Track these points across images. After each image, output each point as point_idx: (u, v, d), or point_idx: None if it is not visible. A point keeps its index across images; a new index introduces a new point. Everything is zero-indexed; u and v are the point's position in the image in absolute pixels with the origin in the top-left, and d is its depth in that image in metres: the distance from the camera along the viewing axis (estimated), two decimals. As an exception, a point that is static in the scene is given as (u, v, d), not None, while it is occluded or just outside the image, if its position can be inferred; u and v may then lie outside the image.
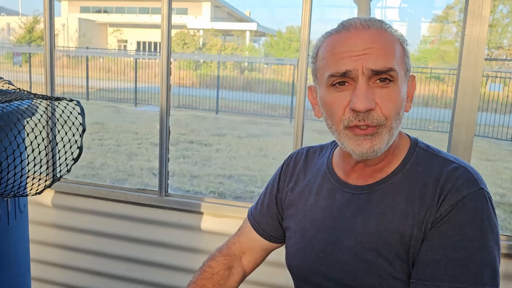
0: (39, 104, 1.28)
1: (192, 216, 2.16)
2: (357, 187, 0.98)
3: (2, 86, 1.39)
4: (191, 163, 7.45)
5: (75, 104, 1.18)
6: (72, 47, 25.29)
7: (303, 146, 1.96)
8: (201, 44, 27.31)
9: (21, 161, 1.14)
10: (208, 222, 2.14)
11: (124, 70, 16.68)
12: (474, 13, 1.63)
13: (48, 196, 2.36)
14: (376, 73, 0.86)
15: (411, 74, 0.94)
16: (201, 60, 19.40)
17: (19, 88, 1.40)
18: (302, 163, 1.13)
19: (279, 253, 1.21)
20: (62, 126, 1.18)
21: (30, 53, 18.50)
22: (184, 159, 7.60)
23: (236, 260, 1.16)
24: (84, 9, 32.33)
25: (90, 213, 2.32)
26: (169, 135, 2.15)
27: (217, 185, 6.30)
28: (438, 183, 0.90)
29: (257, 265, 1.20)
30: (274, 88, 14.67)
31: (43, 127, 1.23)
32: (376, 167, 0.97)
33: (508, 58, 20.95)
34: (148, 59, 19.54)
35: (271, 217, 1.15)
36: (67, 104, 1.18)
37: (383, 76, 0.87)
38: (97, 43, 29.06)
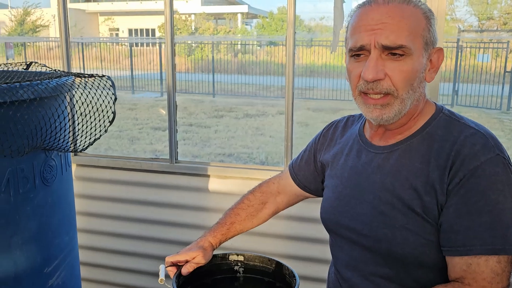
0: (74, 80, 1.56)
1: (200, 179, 2.45)
2: (379, 147, 1.08)
3: (41, 69, 1.67)
4: (191, 144, 7.75)
5: (107, 79, 1.46)
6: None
7: (294, 122, 2.19)
8: (193, 29, 27.32)
9: (68, 123, 1.44)
10: (214, 183, 2.44)
11: (119, 58, 16.81)
12: (432, -11, 1.91)
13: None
14: (387, 48, 0.95)
15: (438, 46, 1.02)
16: (194, 45, 19.49)
17: (55, 69, 1.68)
18: (340, 129, 1.25)
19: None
20: (98, 99, 1.47)
21: (24, 46, 18.56)
22: (185, 141, 7.89)
23: (272, 197, 1.35)
24: (73, -1, 32.10)
25: (109, 182, 2.61)
26: (176, 109, 2.44)
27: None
28: (454, 147, 0.96)
29: (290, 205, 1.38)
30: (268, 70, 14.87)
31: (77, 101, 1.51)
32: (396, 131, 1.06)
33: (499, 29, 21.13)
34: (143, 44, 19.65)
35: (307, 172, 1.31)
36: (101, 79, 1.46)
37: (394, 52, 0.95)
38: (88, 32, 28.95)
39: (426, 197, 0.97)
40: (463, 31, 17.98)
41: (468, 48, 12.50)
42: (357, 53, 0.99)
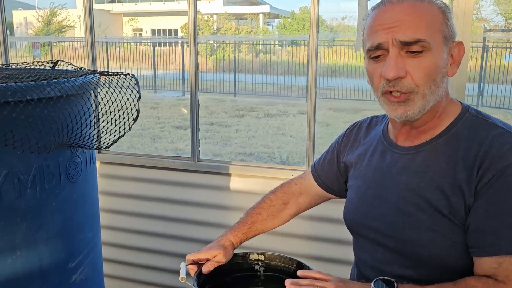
0: (99, 78, 1.58)
1: (221, 178, 2.46)
2: (405, 148, 1.07)
3: (67, 67, 1.70)
4: (212, 143, 7.79)
5: (131, 77, 1.48)
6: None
7: (316, 122, 2.18)
8: (215, 29, 27.47)
9: (93, 120, 1.46)
10: (236, 182, 2.44)
11: (142, 58, 17.02)
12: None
13: (94, 166, 2.69)
14: (405, 44, 0.94)
15: (457, 40, 1.01)
16: (216, 44, 19.62)
17: (80, 68, 1.71)
18: (364, 129, 1.24)
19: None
20: (123, 97, 1.48)
21: (51, 46, 18.97)
22: (206, 140, 7.94)
23: (294, 198, 1.35)
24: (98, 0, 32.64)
25: (132, 179, 2.65)
26: (198, 107, 2.45)
27: (239, 162, 6.61)
28: (481, 147, 0.95)
29: (312, 206, 1.38)
30: (290, 70, 14.85)
31: (102, 99, 1.54)
32: (421, 129, 1.05)
33: (527, 28, 20.60)
34: (166, 44, 19.86)
35: (330, 172, 1.30)
36: (125, 77, 1.48)
37: (413, 47, 0.94)
38: (112, 32, 29.41)
39: (453, 197, 0.96)
40: (489, 30, 17.60)
41: (494, 48, 12.23)
42: (375, 53, 0.99)
